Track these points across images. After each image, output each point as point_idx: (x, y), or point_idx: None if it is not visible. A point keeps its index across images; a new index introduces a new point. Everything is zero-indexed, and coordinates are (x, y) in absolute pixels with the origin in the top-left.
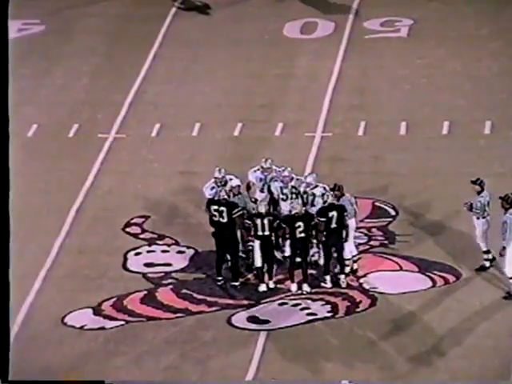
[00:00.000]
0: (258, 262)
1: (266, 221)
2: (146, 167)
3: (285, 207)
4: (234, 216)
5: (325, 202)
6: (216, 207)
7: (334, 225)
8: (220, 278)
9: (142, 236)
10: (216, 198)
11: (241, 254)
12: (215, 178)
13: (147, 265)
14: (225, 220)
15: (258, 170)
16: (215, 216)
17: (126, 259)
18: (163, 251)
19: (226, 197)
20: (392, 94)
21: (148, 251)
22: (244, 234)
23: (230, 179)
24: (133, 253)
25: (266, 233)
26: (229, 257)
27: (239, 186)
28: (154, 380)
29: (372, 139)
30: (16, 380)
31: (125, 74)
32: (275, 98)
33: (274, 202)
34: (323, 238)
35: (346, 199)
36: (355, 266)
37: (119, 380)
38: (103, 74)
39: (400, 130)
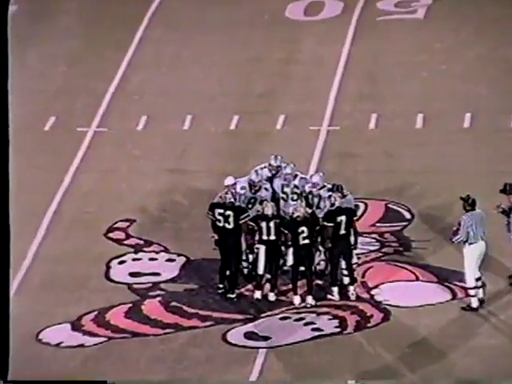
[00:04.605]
0: (261, 269)
1: (272, 224)
2: (131, 164)
3: (285, 208)
4: (241, 222)
5: (332, 205)
6: (221, 211)
7: (342, 231)
8: (221, 286)
9: (126, 242)
10: (222, 201)
11: (244, 263)
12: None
13: (133, 274)
14: (231, 226)
15: (265, 167)
16: (219, 221)
17: (108, 268)
18: (151, 259)
19: (232, 200)
20: (407, 82)
21: (133, 259)
22: (247, 238)
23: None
24: (116, 261)
25: (272, 237)
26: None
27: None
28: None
29: (385, 133)
30: (16, 380)
31: (107, 59)
32: (276, 86)
33: (277, 203)
34: (329, 245)
35: (347, 200)
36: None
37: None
38: (82, 60)
39: (416, 122)
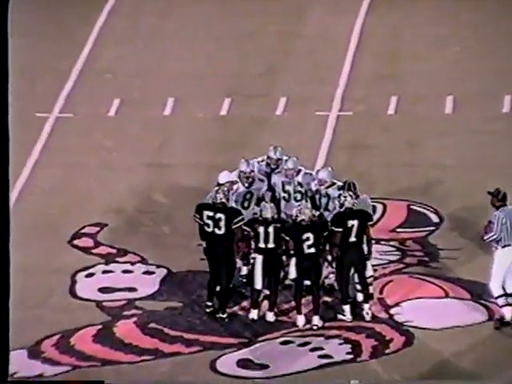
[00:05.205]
0: (258, 284)
1: (271, 229)
2: (102, 157)
3: (286, 209)
4: (235, 226)
5: (341, 206)
6: (210, 213)
7: (352, 238)
8: (210, 304)
9: (95, 251)
10: (211, 201)
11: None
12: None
13: (103, 290)
14: (221, 231)
15: (263, 161)
16: (208, 225)
17: (74, 282)
18: (125, 271)
19: (224, 200)
20: (434, 59)
21: (104, 271)
22: (242, 246)
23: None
24: (83, 274)
25: (271, 245)
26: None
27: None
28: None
29: (406, 119)
30: (16, 380)
31: (72, 32)
32: (276, 64)
33: (277, 203)
34: (338, 254)
35: (361, 202)
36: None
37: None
38: (44, 33)
39: (445, 107)
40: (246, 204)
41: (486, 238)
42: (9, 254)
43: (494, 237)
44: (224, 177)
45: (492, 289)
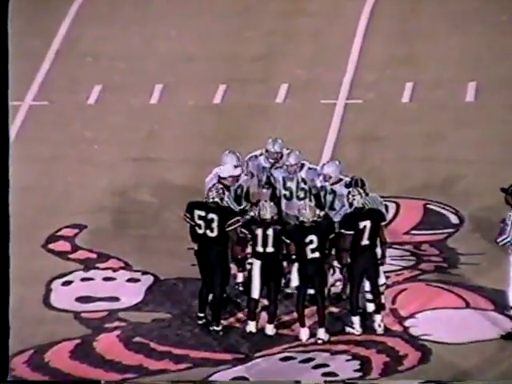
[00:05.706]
0: (255, 293)
1: (270, 231)
2: (81, 150)
3: (288, 209)
4: (229, 229)
5: (351, 206)
6: (202, 213)
7: (365, 241)
8: (202, 315)
9: (73, 256)
10: (204, 200)
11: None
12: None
13: (82, 299)
14: (214, 234)
15: (261, 155)
16: (200, 227)
17: (49, 291)
18: (106, 279)
19: (217, 199)
20: (454, 39)
21: (83, 279)
22: (237, 250)
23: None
24: (60, 281)
25: (270, 249)
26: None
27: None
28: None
29: (423, 108)
30: (15, 380)
31: (49, 8)
32: (276, 46)
33: (278, 202)
34: (348, 260)
35: (371, 201)
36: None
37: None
38: (16, 12)
39: (466, 94)
40: (239, 200)
41: (498, 240)
42: (8, 262)
43: (508, 239)
44: (227, 171)
45: (509, 297)
